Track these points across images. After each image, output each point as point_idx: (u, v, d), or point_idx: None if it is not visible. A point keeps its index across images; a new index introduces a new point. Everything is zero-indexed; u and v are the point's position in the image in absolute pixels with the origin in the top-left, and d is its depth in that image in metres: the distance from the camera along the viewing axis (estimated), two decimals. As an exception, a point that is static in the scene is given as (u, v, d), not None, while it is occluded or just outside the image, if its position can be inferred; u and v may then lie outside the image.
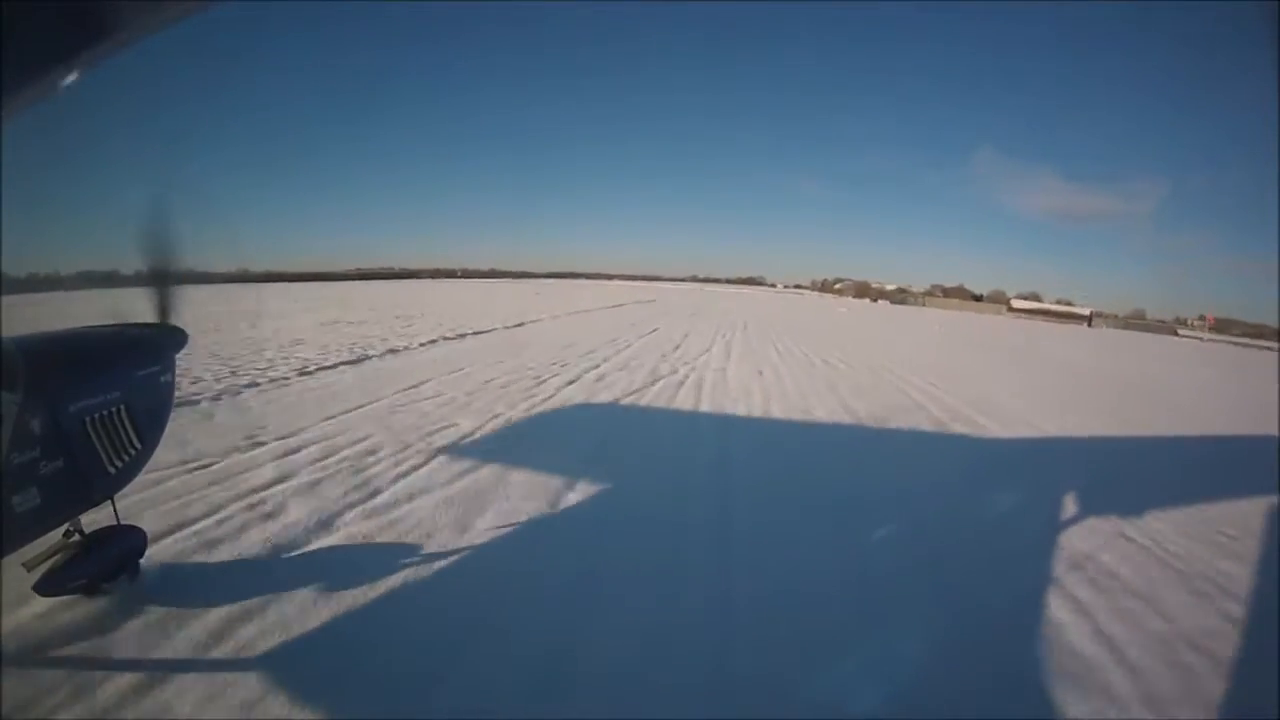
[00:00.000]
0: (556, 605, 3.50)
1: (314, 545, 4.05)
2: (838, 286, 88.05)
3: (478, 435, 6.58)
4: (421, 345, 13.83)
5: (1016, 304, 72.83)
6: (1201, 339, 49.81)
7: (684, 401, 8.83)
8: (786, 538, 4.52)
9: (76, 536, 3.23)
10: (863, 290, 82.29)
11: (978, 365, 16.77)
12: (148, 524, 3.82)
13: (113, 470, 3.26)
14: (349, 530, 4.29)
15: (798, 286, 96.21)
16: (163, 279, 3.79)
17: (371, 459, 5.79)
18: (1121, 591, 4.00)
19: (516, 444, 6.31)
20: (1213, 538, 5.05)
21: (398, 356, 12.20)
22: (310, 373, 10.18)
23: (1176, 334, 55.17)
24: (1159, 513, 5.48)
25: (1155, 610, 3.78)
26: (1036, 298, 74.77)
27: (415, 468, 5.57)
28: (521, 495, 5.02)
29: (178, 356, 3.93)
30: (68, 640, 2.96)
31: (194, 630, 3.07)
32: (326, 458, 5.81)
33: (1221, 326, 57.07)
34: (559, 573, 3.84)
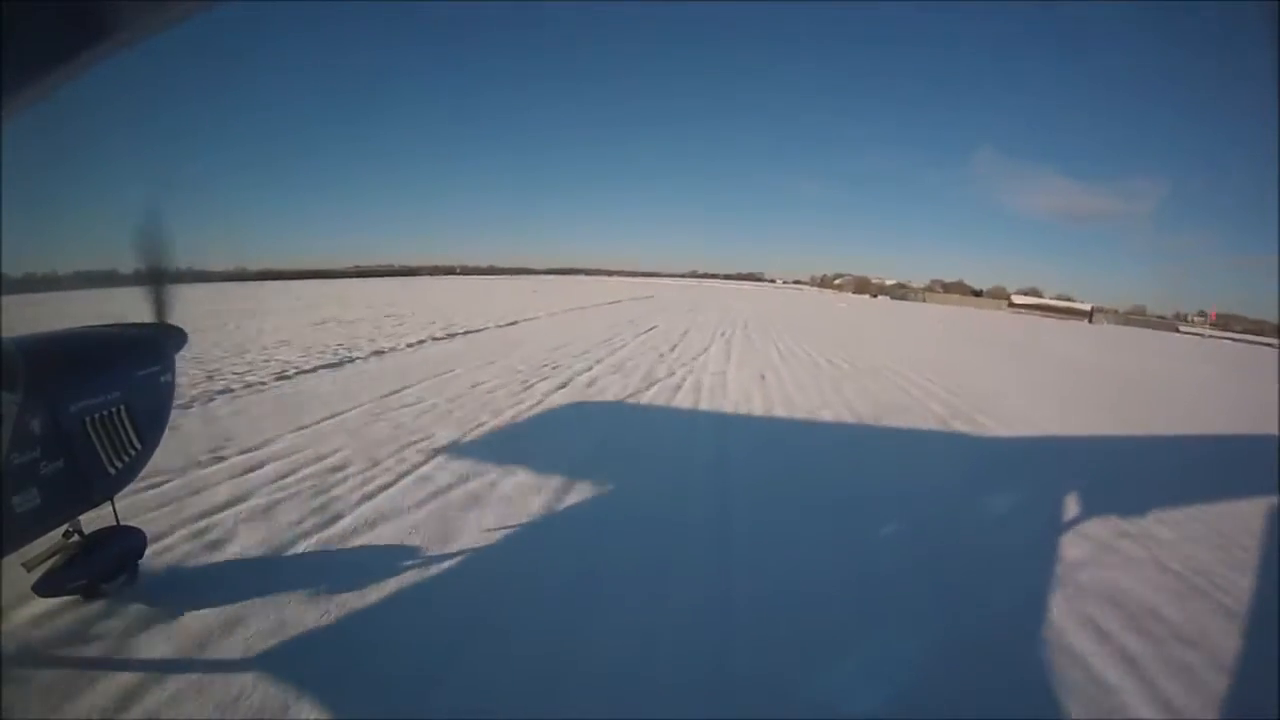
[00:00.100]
0: (527, 671, 3.04)
1: (251, 591, 3.56)
2: (837, 282, 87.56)
3: (455, 449, 6.10)
4: (409, 346, 13.35)
5: (1017, 300, 72.38)
6: (1203, 335, 49.26)
7: (681, 410, 8.34)
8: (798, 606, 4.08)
9: (76, 537, 3.22)
10: (862, 286, 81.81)
11: (983, 363, 16.28)
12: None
13: (113, 471, 3.25)
14: (291, 572, 3.79)
15: (797, 282, 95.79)
16: (157, 278, 3.77)
17: (337, 477, 5.32)
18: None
19: (495, 460, 5.83)
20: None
21: (383, 359, 11.72)
22: (289, 377, 9.74)
23: (1178, 330, 54.67)
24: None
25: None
26: (1037, 293, 74.31)
27: (383, 487, 5.10)
28: (496, 520, 4.56)
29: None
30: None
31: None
32: (289, 475, 5.35)
33: (1222, 323, 56.56)
34: (529, 626, 3.37)
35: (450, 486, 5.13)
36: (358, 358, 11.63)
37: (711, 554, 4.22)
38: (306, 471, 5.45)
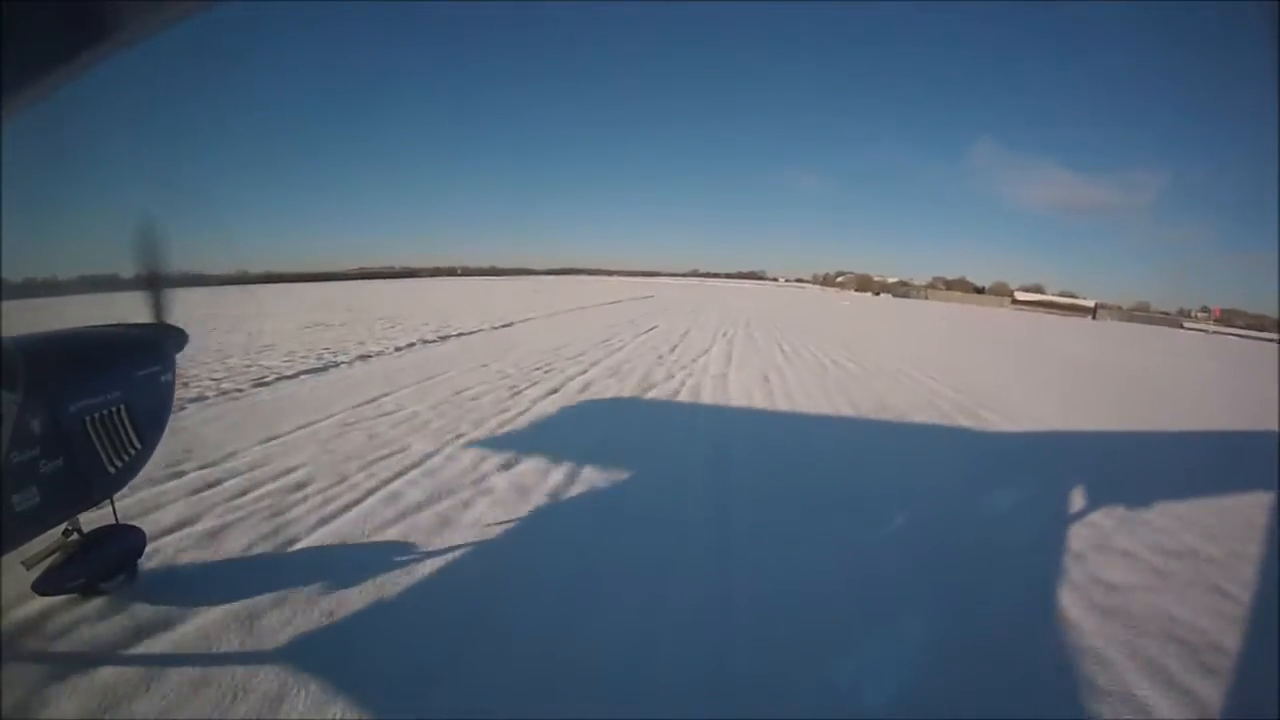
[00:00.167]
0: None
1: (171, 633, 3.09)
2: (839, 280, 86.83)
3: (428, 464, 5.61)
4: (397, 350, 12.86)
5: (1020, 296, 71.66)
6: (1207, 331, 48.65)
7: (679, 417, 7.83)
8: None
9: (75, 535, 3.22)
10: (864, 284, 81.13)
11: (992, 363, 15.74)
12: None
13: (112, 470, 3.25)
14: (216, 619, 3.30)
15: (799, 280, 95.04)
16: (155, 280, 3.76)
17: (297, 496, 4.84)
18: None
19: (472, 476, 5.35)
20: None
21: (368, 363, 11.24)
22: (267, 383, 9.26)
23: (1182, 326, 54.06)
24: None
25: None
26: (1040, 290, 73.56)
27: (345, 508, 4.61)
28: (464, 549, 4.08)
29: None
30: None
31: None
32: (247, 493, 4.88)
33: (1225, 318, 55.88)
34: (483, 678, 2.89)
35: (419, 507, 4.64)
36: (342, 362, 11.15)
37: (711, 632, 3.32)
38: (265, 489, 4.97)
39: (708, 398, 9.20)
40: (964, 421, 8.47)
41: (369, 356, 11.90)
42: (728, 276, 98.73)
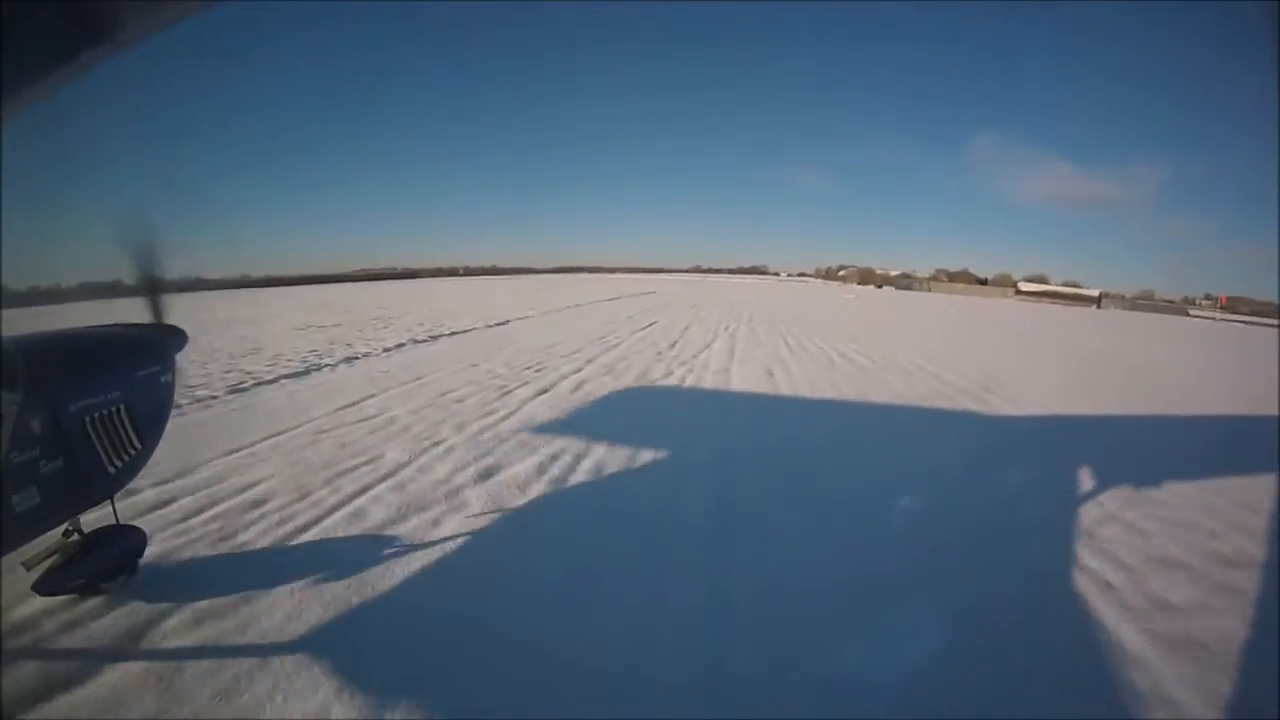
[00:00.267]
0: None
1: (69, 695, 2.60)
2: (842, 273, 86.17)
3: (400, 476, 5.11)
4: (385, 351, 12.38)
5: (1024, 287, 70.87)
6: (1214, 319, 47.90)
7: (677, 418, 7.32)
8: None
9: (76, 536, 3.22)
10: (867, 277, 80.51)
11: (1004, 354, 15.17)
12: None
13: (112, 470, 3.23)
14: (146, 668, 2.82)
15: (801, 275, 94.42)
16: (151, 282, 3.75)
17: (251, 516, 4.35)
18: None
19: (446, 488, 4.85)
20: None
21: (353, 365, 10.76)
22: (245, 389, 8.80)
23: (1188, 314, 53.34)
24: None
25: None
26: (1043, 280, 72.81)
27: (300, 529, 4.12)
28: (428, 578, 3.58)
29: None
30: None
31: None
32: (200, 513, 4.39)
33: (1230, 306, 55.04)
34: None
35: (382, 526, 4.14)
36: (327, 365, 10.68)
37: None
38: (220, 509, 4.48)
39: (708, 395, 8.70)
40: (990, 418, 7.96)
41: (355, 359, 11.43)
42: (730, 272, 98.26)
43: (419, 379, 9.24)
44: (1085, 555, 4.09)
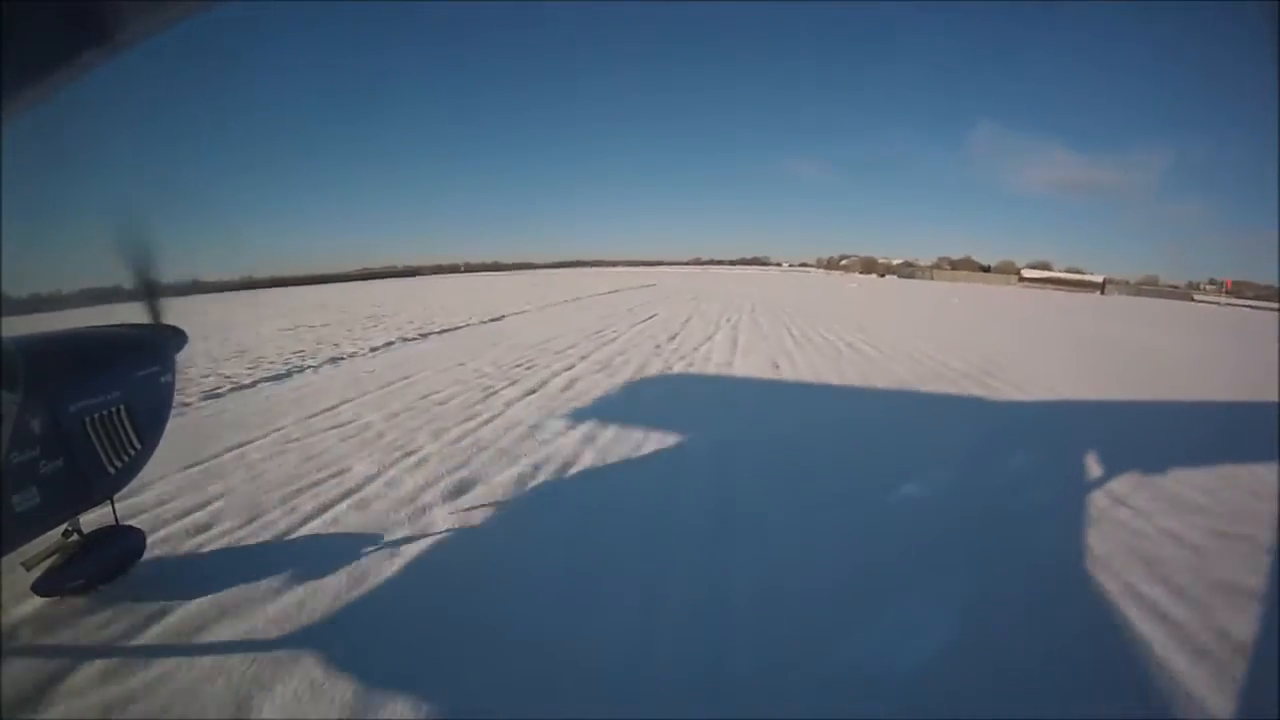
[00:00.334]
0: None
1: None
2: (844, 263, 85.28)
3: (364, 493, 4.59)
4: (373, 350, 11.87)
5: (1027, 274, 70.08)
6: (1218, 304, 47.07)
7: (673, 419, 6.76)
8: None
9: (75, 536, 3.20)
10: (869, 265, 79.70)
11: (1015, 342, 14.61)
12: None
13: (112, 471, 3.23)
14: None
15: (803, 265, 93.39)
16: (146, 285, 3.71)
17: (197, 541, 3.87)
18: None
19: (410, 509, 4.32)
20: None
21: (338, 366, 10.26)
22: (220, 395, 8.32)
23: (1193, 299, 52.53)
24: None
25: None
26: (1047, 267, 71.98)
27: (238, 562, 3.63)
28: (381, 628, 3.08)
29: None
30: None
31: None
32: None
33: (1235, 290, 54.10)
34: None
35: (333, 556, 3.63)
36: (309, 367, 10.18)
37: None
38: (163, 533, 3.99)
39: (710, 392, 8.18)
40: (1012, 412, 7.43)
41: (340, 359, 10.93)
42: (731, 264, 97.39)
43: (404, 379, 8.73)
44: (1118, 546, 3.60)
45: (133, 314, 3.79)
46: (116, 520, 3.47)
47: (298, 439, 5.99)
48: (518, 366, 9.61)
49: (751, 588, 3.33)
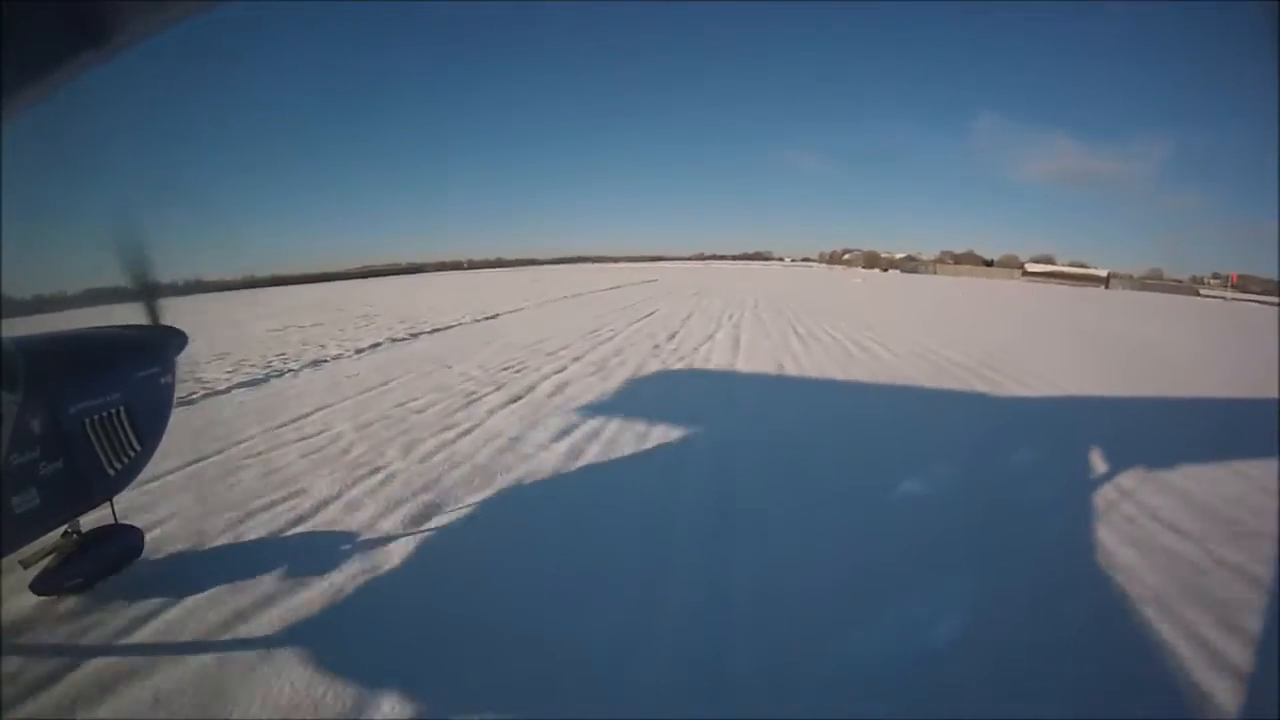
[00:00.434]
0: None
1: None
2: (846, 257, 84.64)
3: (316, 519, 4.12)
4: (358, 352, 11.41)
5: (1031, 268, 69.37)
6: (1225, 298, 46.27)
7: (670, 427, 6.28)
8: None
9: (74, 535, 3.19)
10: (871, 260, 79.05)
11: (1030, 342, 14.10)
12: None
13: (112, 472, 3.21)
14: None
15: (805, 260, 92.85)
16: (143, 286, 3.72)
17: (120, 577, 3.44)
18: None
19: (365, 537, 3.86)
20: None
21: (319, 369, 9.81)
22: (192, 401, 7.87)
23: (1198, 294, 51.76)
24: None
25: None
26: (1050, 261, 71.28)
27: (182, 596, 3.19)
28: (324, 678, 2.62)
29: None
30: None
31: None
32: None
33: (1241, 284, 53.23)
34: None
35: (269, 601, 3.17)
36: (289, 370, 9.73)
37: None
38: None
39: (711, 397, 7.70)
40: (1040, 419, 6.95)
41: (323, 361, 10.48)
42: (734, 258, 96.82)
43: (384, 384, 8.27)
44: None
45: (133, 314, 3.76)
46: (115, 519, 3.43)
47: (260, 453, 5.54)
48: (505, 369, 9.14)
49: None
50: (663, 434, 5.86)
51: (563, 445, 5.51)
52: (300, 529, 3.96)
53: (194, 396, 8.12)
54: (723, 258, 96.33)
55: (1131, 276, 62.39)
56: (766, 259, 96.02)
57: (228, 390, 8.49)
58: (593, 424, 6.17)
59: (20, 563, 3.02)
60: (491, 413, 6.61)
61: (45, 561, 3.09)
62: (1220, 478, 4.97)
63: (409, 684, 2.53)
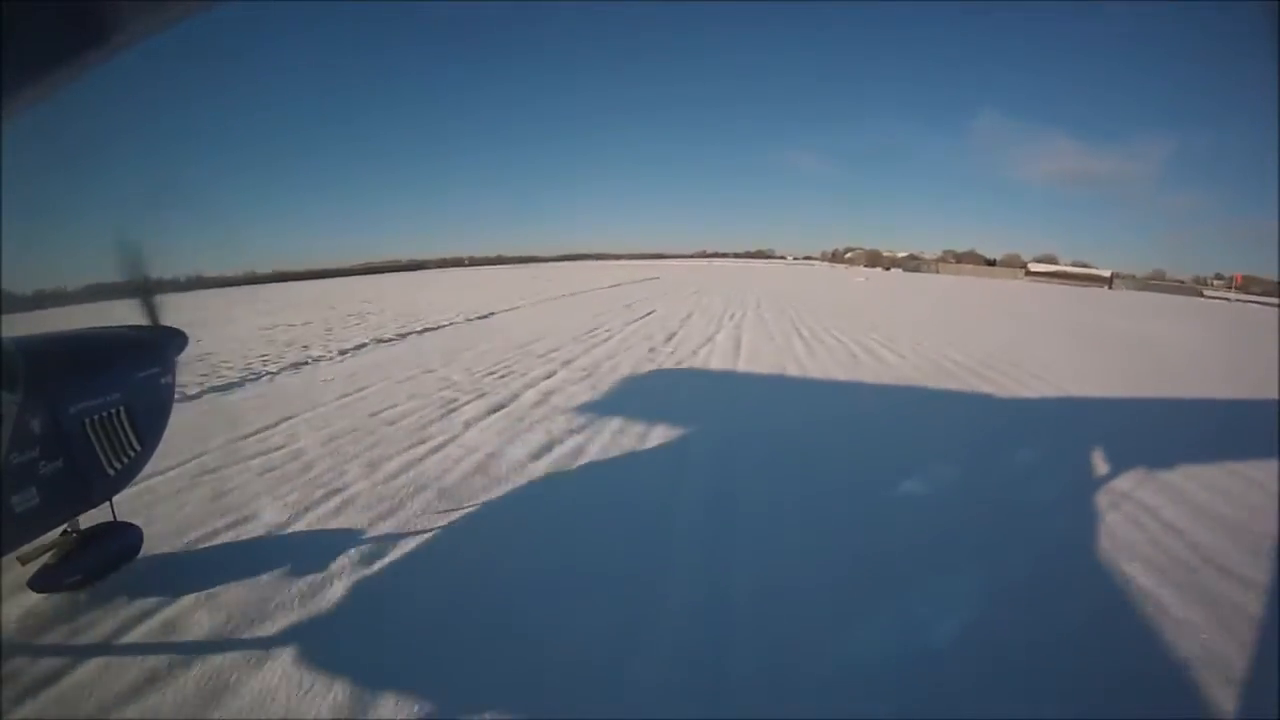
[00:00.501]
0: None
1: None
2: (848, 256, 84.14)
3: (261, 550, 3.67)
4: (341, 354, 10.95)
5: (1034, 268, 68.80)
6: (1229, 299, 45.63)
7: (656, 453, 5.77)
8: None
9: (73, 533, 3.19)
10: (874, 259, 78.54)
11: (1048, 347, 13.62)
12: None
13: (112, 472, 3.20)
14: None
15: (808, 258, 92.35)
16: (142, 285, 3.72)
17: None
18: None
19: (315, 580, 3.40)
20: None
21: (298, 373, 9.37)
22: (159, 406, 7.42)
23: (1202, 294, 51.15)
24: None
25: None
26: (1053, 260, 70.74)
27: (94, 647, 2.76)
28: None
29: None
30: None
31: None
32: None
33: (1245, 285, 52.54)
34: None
35: (188, 657, 2.72)
36: (267, 374, 9.27)
37: None
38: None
39: (709, 406, 7.24)
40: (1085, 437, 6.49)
41: (303, 364, 10.03)
42: (736, 256, 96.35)
43: (360, 390, 7.81)
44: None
45: (132, 310, 3.74)
46: (114, 517, 3.42)
47: (215, 469, 5.09)
48: (491, 374, 8.69)
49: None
50: (651, 458, 5.34)
51: (541, 465, 5.04)
52: (239, 562, 3.50)
53: (163, 402, 7.69)
54: (725, 256, 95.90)
55: (1134, 277, 61.89)
56: (769, 257, 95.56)
57: (199, 395, 8.05)
58: (577, 440, 5.69)
59: (19, 560, 2.99)
60: (469, 425, 6.14)
61: (44, 559, 3.07)
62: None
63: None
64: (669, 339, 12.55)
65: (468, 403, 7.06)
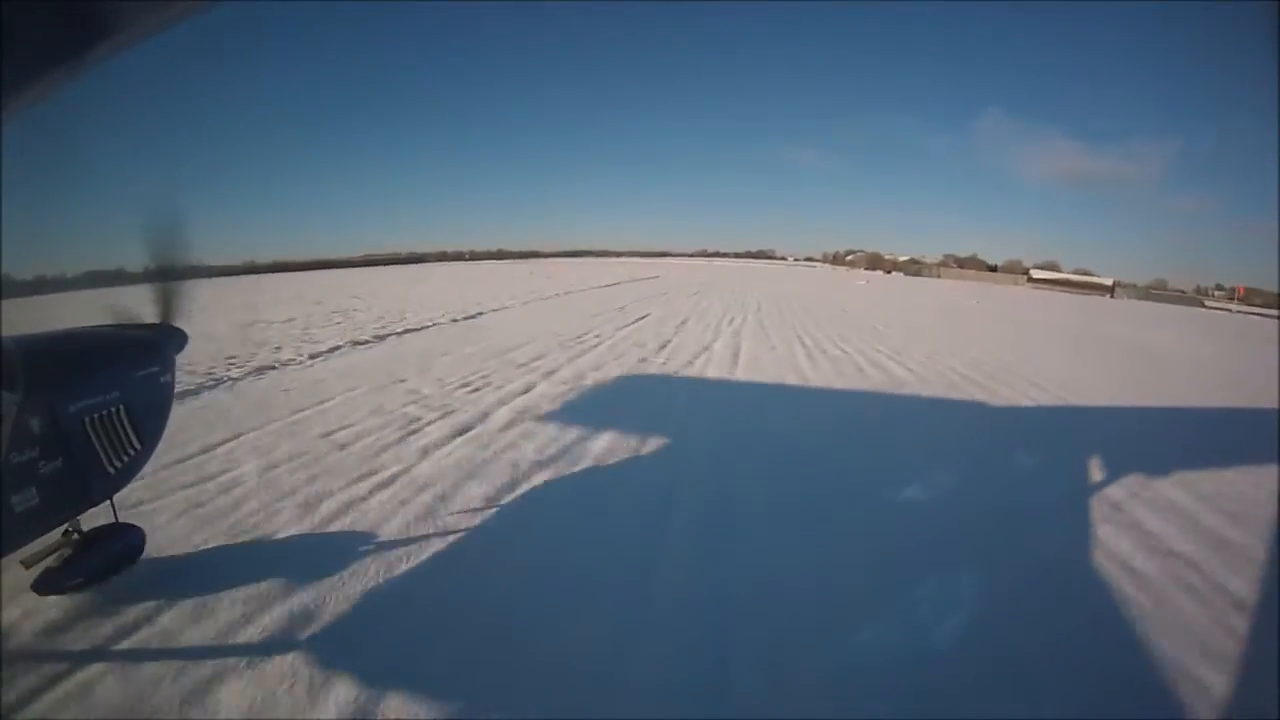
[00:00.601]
0: None
1: None
2: (849, 258, 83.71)
3: (138, 634, 3.10)
4: (312, 358, 10.35)
5: (1036, 275, 68.32)
6: (1231, 310, 45.08)
7: (648, 471, 5.23)
8: None
9: (75, 535, 3.19)
10: (875, 262, 78.16)
11: (1064, 360, 13.03)
12: None
13: (112, 471, 3.20)
14: None
15: (808, 259, 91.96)
16: (169, 276, 3.73)
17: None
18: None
19: (202, 676, 2.82)
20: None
21: (260, 379, 8.76)
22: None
23: (1204, 305, 50.70)
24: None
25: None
26: (1055, 267, 70.35)
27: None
28: None
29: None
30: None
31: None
32: None
33: (1246, 297, 51.97)
34: None
35: None
36: (226, 380, 8.67)
37: None
38: None
39: (701, 423, 6.64)
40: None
41: (270, 369, 9.44)
42: (737, 256, 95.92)
43: (319, 404, 7.19)
44: None
45: (136, 298, 3.78)
46: (116, 518, 3.41)
47: (134, 505, 4.46)
48: (464, 387, 8.06)
49: None
50: (630, 502, 4.66)
51: (495, 513, 4.37)
52: (145, 626, 2.91)
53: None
54: (726, 255, 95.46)
55: (1135, 285, 61.55)
56: (770, 258, 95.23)
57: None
58: (544, 475, 5.06)
59: (21, 563, 3.00)
60: (427, 452, 5.50)
61: (46, 561, 3.07)
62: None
63: None
64: (663, 347, 11.98)
65: (434, 421, 6.43)
